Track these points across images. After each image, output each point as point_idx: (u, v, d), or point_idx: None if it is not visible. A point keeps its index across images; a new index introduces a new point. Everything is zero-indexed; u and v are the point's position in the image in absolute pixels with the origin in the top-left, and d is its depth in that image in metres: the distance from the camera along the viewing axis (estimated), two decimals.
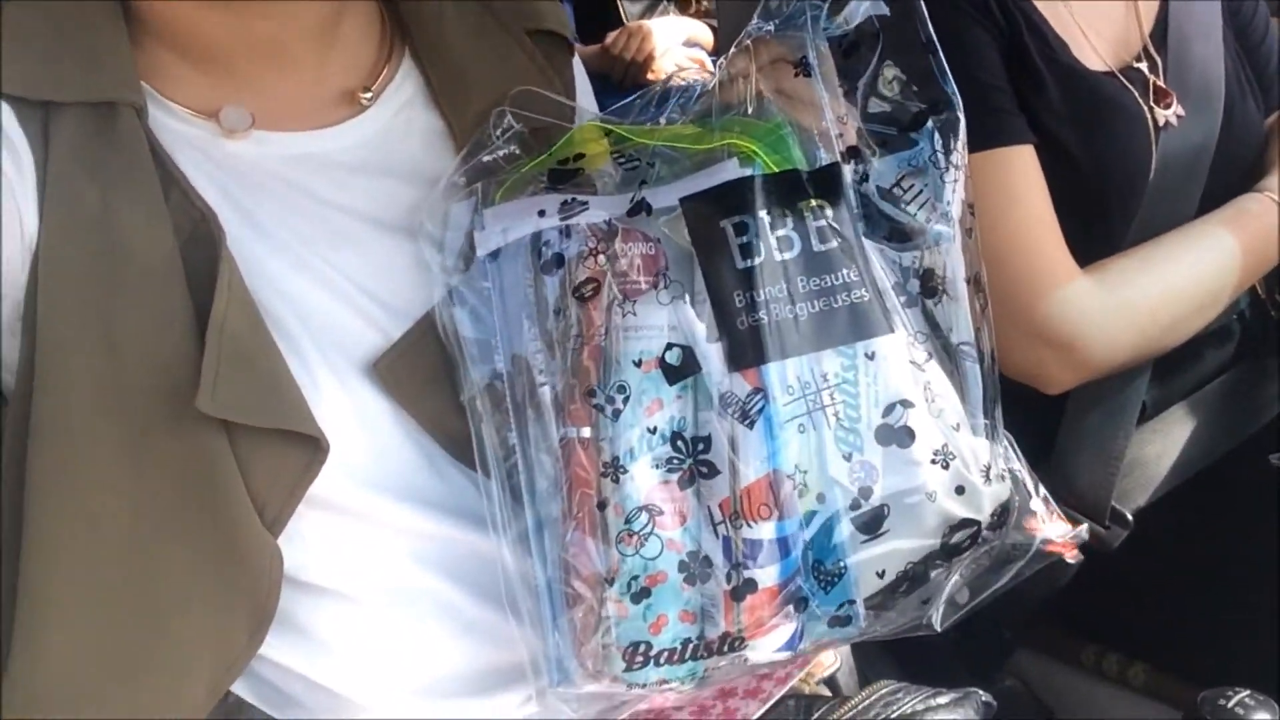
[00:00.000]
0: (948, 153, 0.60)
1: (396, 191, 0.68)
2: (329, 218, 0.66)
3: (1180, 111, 1.00)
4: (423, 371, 0.64)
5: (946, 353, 0.60)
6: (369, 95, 0.70)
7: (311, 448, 0.59)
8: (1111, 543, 0.96)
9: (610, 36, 1.95)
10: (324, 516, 0.62)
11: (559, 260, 0.59)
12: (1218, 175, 1.02)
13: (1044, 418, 0.98)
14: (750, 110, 0.63)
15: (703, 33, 2.02)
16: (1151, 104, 1.00)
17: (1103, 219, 0.98)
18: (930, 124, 0.61)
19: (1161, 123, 0.99)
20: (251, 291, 0.60)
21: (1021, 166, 0.92)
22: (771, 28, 0.64)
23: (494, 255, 0.63)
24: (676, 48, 1.96)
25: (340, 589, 0.63)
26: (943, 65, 0.61)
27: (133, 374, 0.57)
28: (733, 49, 0.66)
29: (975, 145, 0.87)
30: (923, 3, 0.63)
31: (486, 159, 0.66)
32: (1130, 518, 0.97)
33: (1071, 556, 0.66)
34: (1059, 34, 0.98)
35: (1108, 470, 0.96)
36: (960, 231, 0.60)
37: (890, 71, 0.64)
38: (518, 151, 0.67)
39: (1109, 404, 0.98)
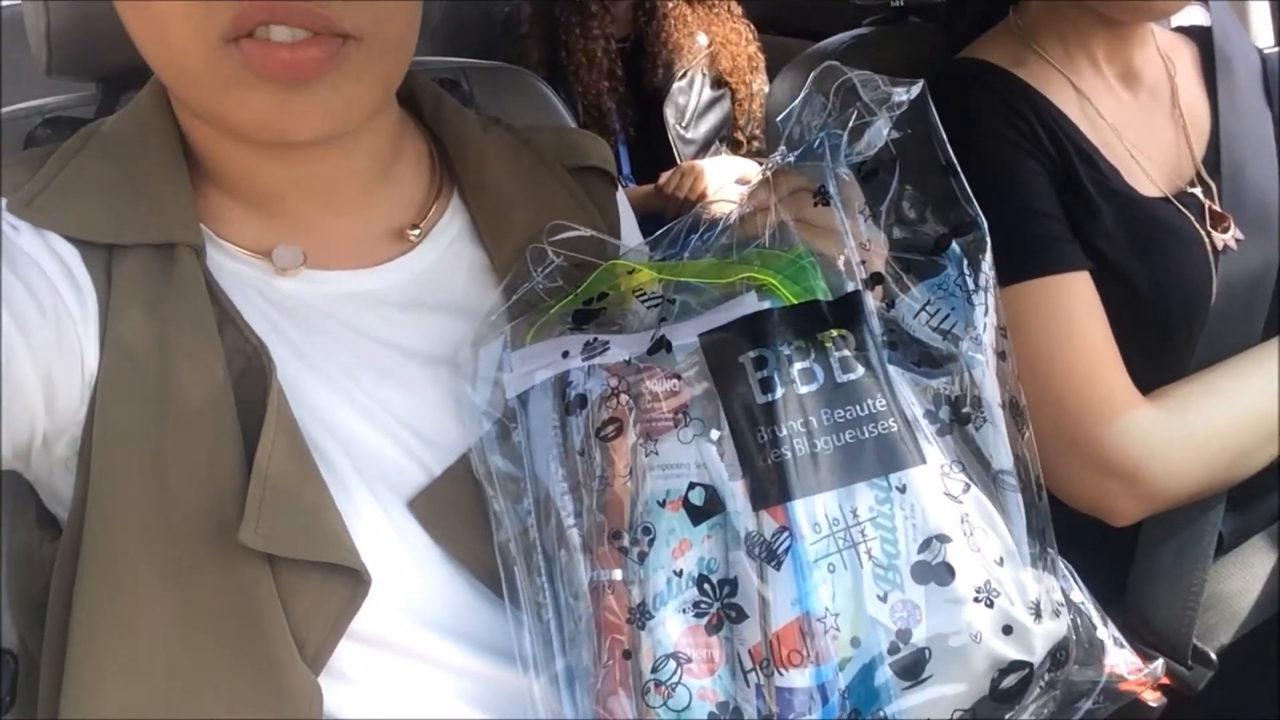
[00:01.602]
0: (975, 275, 0.59)
1: (443, 326, 0.69)
2: (376, 353, 0.67)
3: (1239, 235, 0.98)
4: (462, 509, 0.64)
5: (987, 482, 0.57)
6: (417, 233, 0.72)
7: (354, 581, 0.59)
8: (1196, 684, 0.90)
9: (663, 176, 1.99)
10: (366, 652, 0.61)
11: (582, 401, 0.59)
12: None
13: (1117, 552, 0.94)
14: (771, 241, 0.63)
15: (755, 171, 2.06)
16: (1209, 228, 0.97)
17: (1165, 345, 0.95)
18: (955, 247, 0.60)
19: (1220, 247, 0.97)
20: (300, 424, 0.61)
21: (1078, 293, 0.90)
22: (792, 158, 0.65)
23: (522, 398, 0.63)
24: (729, 186, 1.99)
25: None
26: (964, 187, 0.61)
27: (181, 506, 0.57)
28: (754, 181, 0.66)
29: (1030, 273, 0.89)
30: (940, 127, 0.62)
31: (526, 293, 0.67)
32: (1215, 657, 0.91)
33: (1153, 699, 0.61)
34: (1110, 161, 0.97)
35: (1186, 606, 0.90)
36: (992, 355, 0.57)
37: (911, 195, 0.63)
38: (560, 283, 0.68)
39: (1182, 536, 0.93)
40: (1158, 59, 1.07)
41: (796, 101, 0.66)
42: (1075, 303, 0.90)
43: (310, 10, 0.55)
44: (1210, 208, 0.99)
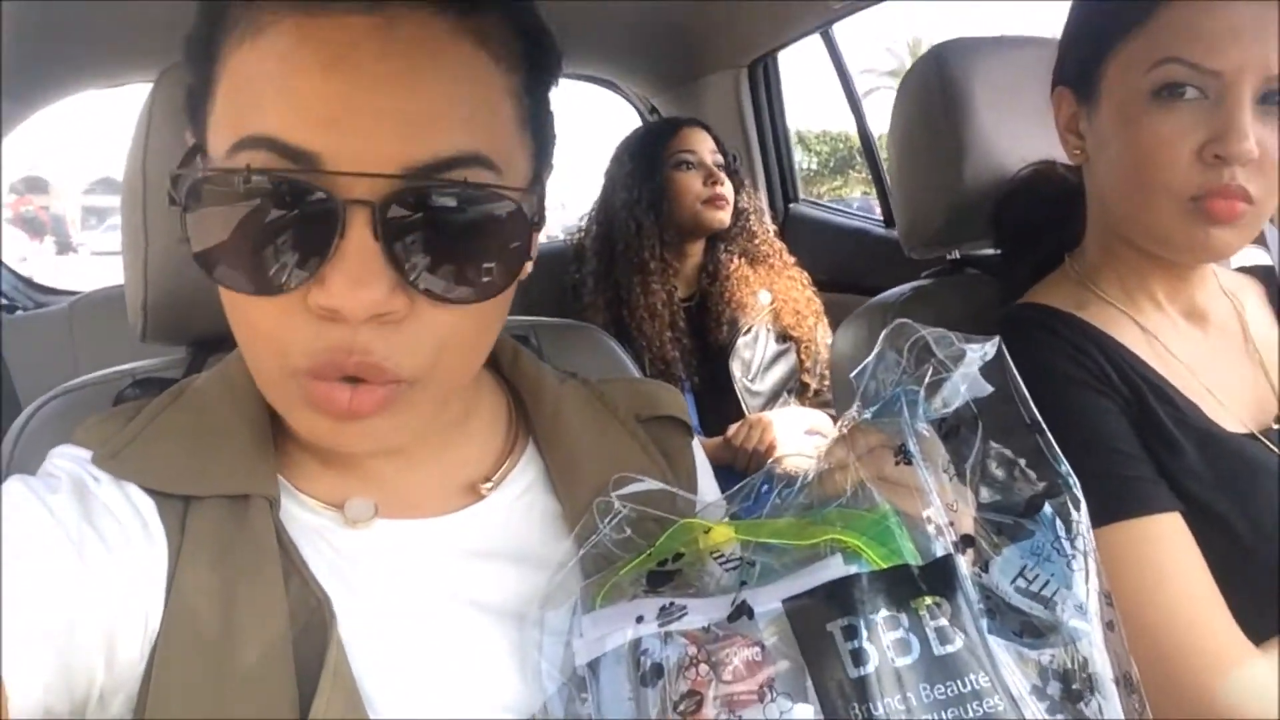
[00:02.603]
0: (1071, 539, 0.56)
1: (514, 577, 0.69)
2: (445, 604, 0.66)
3: None
4: None
5: None
6: (489, 485, 0.72)
7: None
8: None
9: (732, 429, 2.00)
10: None
11: (658, 671, 0.56)
12: None
13: None
14: (852, 500, 0.61)
15: (823, 421, 2.05)
16: None
17: (1269, 590, 0.88)
18: (1048, 508, 0.57)
19: None
20: (360, 679, 0.59)
21: (1171, 535, 0.86)
22: (869, 415, 0.64)
23: (593, 665, 0.60)
24: (798, 436, 1.99)
25: None
26: (1052, 445, 0.59)
27: None
28: (831, 438, 0.65)
29: (1116, 515, 0.86)
30: (1022, 384, 0.61)
31: (597, 546, 0.66)
32: None
33: None
34: (1188, 397, 0.95)
35: None
36: (1100, 625, 0.53)
37: (997, 454, 0.61)
38: (629, 533, 0.66)
39: None
40: (1222, 297, 1.06)
41: (870, 358, 0.66)
42: (1170, 546, 0.86)
43: (371, 365, 0.57)
44: None
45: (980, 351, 0.63)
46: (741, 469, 1.97)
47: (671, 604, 0.58)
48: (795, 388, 2.19)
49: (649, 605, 0.59)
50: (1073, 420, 0.91)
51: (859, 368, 0.66)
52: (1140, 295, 1.02)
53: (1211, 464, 0.91)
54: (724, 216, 2.14)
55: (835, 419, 2.14)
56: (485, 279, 0.59)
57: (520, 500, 0.73)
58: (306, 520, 0.67)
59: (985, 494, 0.61)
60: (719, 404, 2.08)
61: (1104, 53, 0.97)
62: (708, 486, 0.85)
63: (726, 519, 0.66)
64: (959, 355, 0.62)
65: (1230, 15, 0.88)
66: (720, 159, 2.18)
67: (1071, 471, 0.57)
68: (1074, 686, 0.53)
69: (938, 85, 1.21)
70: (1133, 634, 0.79)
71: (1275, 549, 0.88)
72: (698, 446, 0.87)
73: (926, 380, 0.63)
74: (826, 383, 2.19)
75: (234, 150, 0.56)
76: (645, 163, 2.16)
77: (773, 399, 2.15)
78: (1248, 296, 1.09)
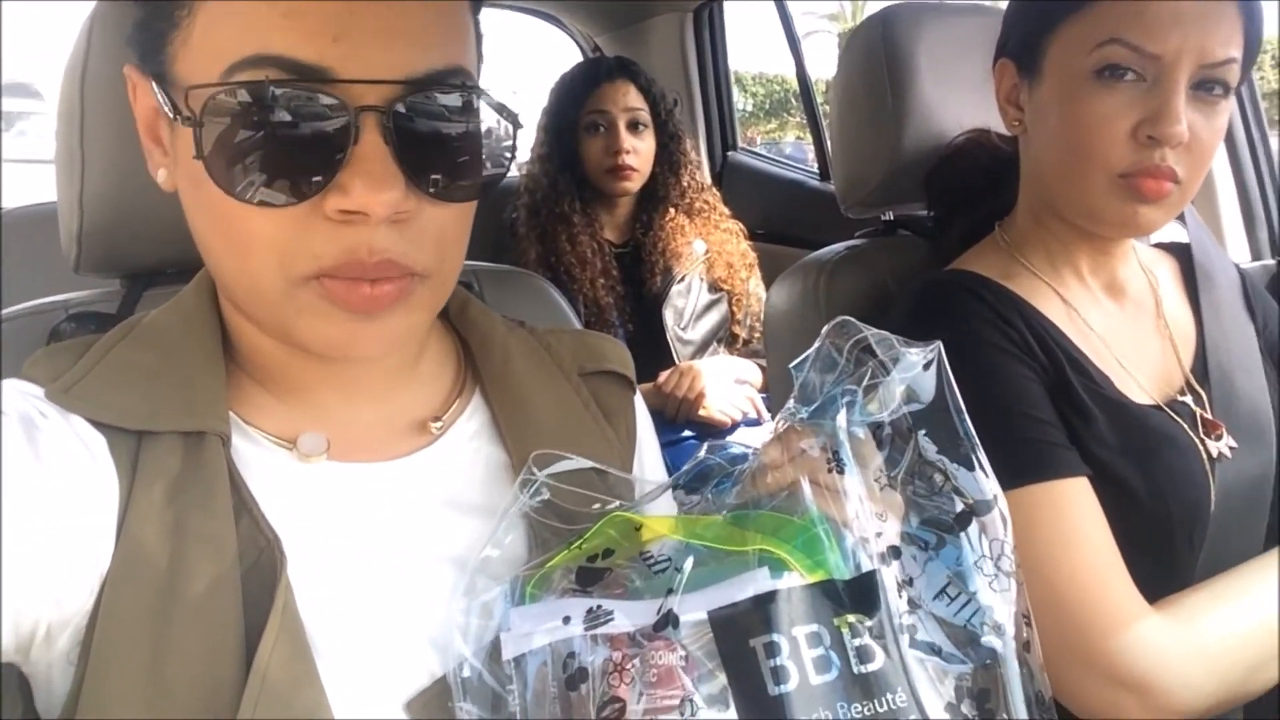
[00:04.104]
0: (996, 559, 0.56)
1: (461, 525, 0.70)
2: (391, 549, 0.67)
3: (1232, 444, 0.99)
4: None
5: None
6: (439, 425, 0.74)
7: None
8: None
9: (662, 376, 2.01)
10: None
11: (584, 675, 0.56)
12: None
13: None
14: (784, 501, 0.61)
15: (752, 372, 2.07)
16: (1202, 436, 0.99)
17: (1168, 553, 0.95)
18: (975, 526, 0.58)
19: (1214, 454, 0.98)
20: (305, 618, 0.60)
21: (1079, 498, 0.90)
22: (805, 415, 0.64)
23: (518, 660, 0.59)
24: (726, 385, 2.01)
25: None
26: (983, 461, 0.59)
27: (176, 698, 0.56)
28: (767, 439, 0.65)
29: (1029, 478, 0.89)
30: (959, 396, 0.61)
31: (517, 512, 0.67)
32: None
33: None
34: (1101, 369, 0.99)
35: None
36: (1016, 646, 0.55)
37: (931, 464, 0.62)
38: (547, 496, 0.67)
39: None
40: (1140, 272, 1.11)
41: (810, 351, 0.65)
42: (1077, 508, 0.89)
43: (391, 262, 0.61)
44: (1202, 416, 1.00)
45: (920, 356, 0.63)
46: (670, 416, 1.98)
47: (599, 607, 0.57)
48: (725, 337, 2.20)
49: (576, 606, 0.58)
50: (993, 385, 0.94)
51: (797, 360, 0.66)
52: (1064, 268, 1.06)
53: (1120, 433, 0.95)
54: (629, 186, 2.11)
55: (764, 370, 2.18)
56: (479, 177, 0.65)
57: (468, 446, 0.74)
58: (258, 456, 0.67)
59: (917, 499, 0.62)
60: (651, 351, 2.08)
61: (1048, 28, 0.99)
62: (649, 442, 0.88)
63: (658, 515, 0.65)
64: (898, 358, 0.62)
65: (1172, 1, 0.90)
66: (639, 115, 2.12)
67: (1000, 494, 0.58)
68: (987, 705, 0.54)
69: (882, 49, 1.22)
70: (1038, 591, 0.83)
71: (1173, 514, 0.93)
72: (639, 402, 0.88)
73: (865, 382, 0.63)
74: (757, 334, 2.20)
75: (231, 71, 0.58)
76: (558, 120, 2.12)
77: (703, 348, 2.16)
78: (1163, 272, 1.13)
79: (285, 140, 0.58)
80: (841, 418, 0.61)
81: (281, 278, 0.61)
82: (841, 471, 0.59)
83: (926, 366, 0.62)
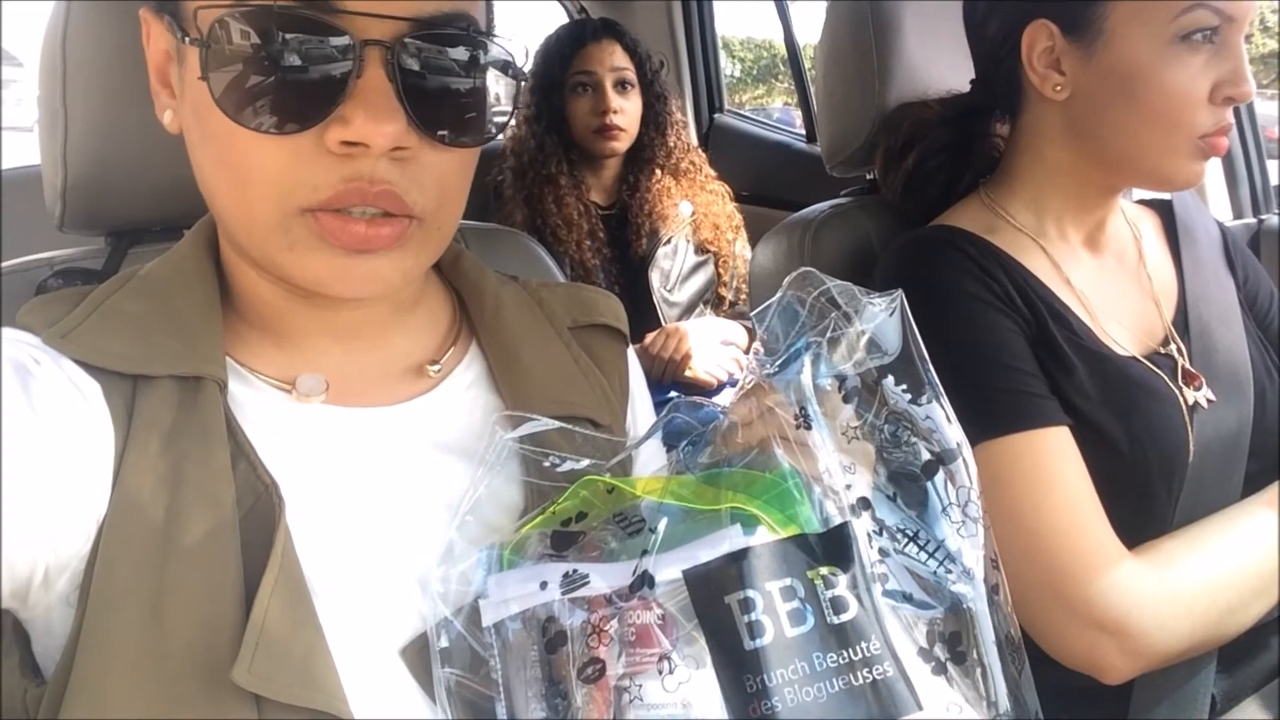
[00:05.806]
0: (963, 505, 0.57)
1: (456, 470, 0.70)
2: (388, 494, 0.68)
3: (1210, 395, 1.01)
4: None
5: None
6: (437, 369, 0.75)
7: None
8: None
9: (649, 337, 2.02)
10: None
11: (563, 638, 0.56)
12: (1257, 457, 1.01)
13: (1111, 712, 0.92)
14: (755, 457, 0.61)
15: (737, 333, 2.08)
16: (1181, 385, 1.00)
17: (1146, 500, 0.96)
18: (941, 474, 0.58)
19: (1193, 403, 0.99)
20: (303, 562, 0.61)
21: (1059, 447, 0.92)
22: (774, 369, 0.64)
23: (497, 626, 0.60)
24: (712, 347, 2.01)
25: None
26: (948, 411, 0.60)
27: (174, 641, 0.56)
28: (735, 395, 0.65)
29: (1011, 427, 0.91)
30: (923, 346, 0.62)
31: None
32: None
33: None
34: (1083, 320, 1.00)
35: None
36: (985, 590, 0.55)
37: (898, 414, 0.62)
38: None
39: (1175, 697, 0.92)
40: (1124, 226, 1.12)
41: (772, 301, 0.65)
42: (1057, 457, 0.91)
43: (393, 195, 0.62)
44: (1182, 366, 1.02)
45: (882, 306, 0.63)
46: (657, 377, 1.99)
47: (575, 571, 0.58)
48: (712, 299, 2.20)
49: (553, 571, 0.59)
50: (975, 336, 0.95)
51: (758, 309, 0.66)
52: (1048, 223, 1.06)
53: (1100, 383, 0.96)
54: (617, 146, 2.10)
55: (750, 331, 2.17)
56: (482, 125, 0.66)
57: (466, 394, 0.76)
58: (257, 400, 0.68)
59: (885, 450, 0.62)
60: (637, 313, 2.07)
61: None
62: (641, 396, 0.88)
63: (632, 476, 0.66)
64: (860, 309, 0.63)
65: None
66: (626, 75, 2.11)
67: (965, 441, 0.58)
68: (959, 649, 0.55)
69: (867, 7, 1.22)
70: (1019, 537, 0.87)
71: (1152, 463, 0.95)
72: (632, 356, 0.89)
73: (829, 334, 0.63)
74: (743, 295, 2.20)
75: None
76: (544, 81, 2.11)
77: (689, 310, 2.16)
78: (1145, 227, 1.14)
79: (289, 69, 0.59)
80: (807, 373, 0.62)
81: (278, 209, 0.61)
82: (809, 427, 0.60)
83: (890, 316, 0.62)
